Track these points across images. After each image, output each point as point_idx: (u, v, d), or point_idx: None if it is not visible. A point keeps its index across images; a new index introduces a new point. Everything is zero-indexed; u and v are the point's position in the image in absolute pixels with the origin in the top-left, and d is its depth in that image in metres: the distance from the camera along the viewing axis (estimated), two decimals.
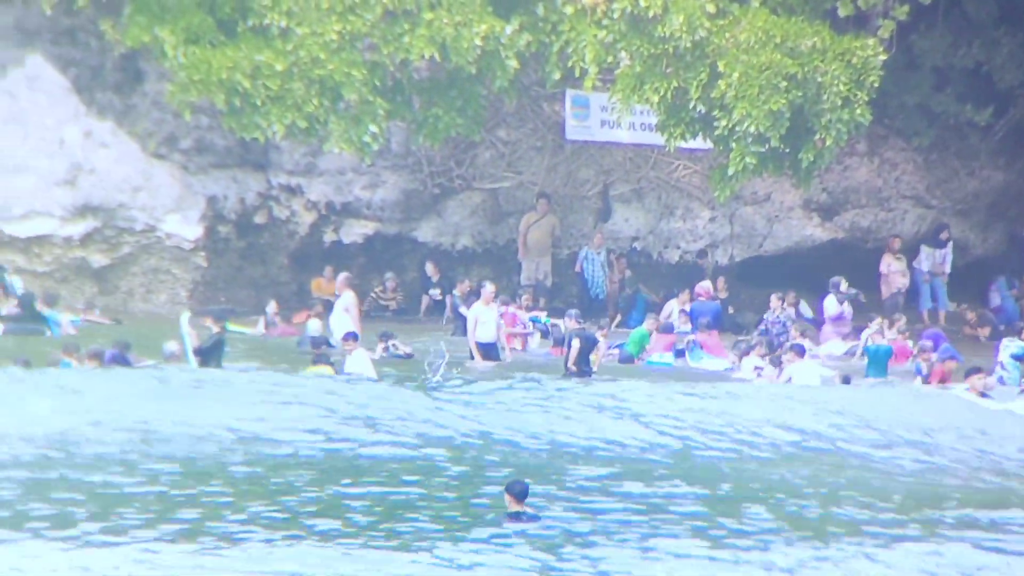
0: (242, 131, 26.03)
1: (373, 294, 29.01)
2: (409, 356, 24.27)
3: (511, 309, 26.38)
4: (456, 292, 27.78)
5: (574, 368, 22.64)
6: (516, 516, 13.80)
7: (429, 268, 29.20)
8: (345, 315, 25.09)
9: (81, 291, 28.02)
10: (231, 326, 24.03)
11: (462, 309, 26.52)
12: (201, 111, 27.23)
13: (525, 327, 26.75)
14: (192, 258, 28.36)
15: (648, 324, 26.16)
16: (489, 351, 24.30)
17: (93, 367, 20.87)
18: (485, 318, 24.44)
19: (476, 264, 30.06)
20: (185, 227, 28.15)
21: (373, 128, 25.87)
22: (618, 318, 28.67)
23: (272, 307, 27.06)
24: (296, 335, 26.08)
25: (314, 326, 25.69)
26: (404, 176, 29.49)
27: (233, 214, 28.87)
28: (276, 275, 29.13)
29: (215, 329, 21.87)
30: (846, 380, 22.92)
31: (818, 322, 27.87)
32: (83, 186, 27.80)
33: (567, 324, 23.96)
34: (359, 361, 22.09)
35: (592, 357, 23.06)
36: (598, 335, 25.29)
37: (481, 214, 30.05)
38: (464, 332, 25.42)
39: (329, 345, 23.63)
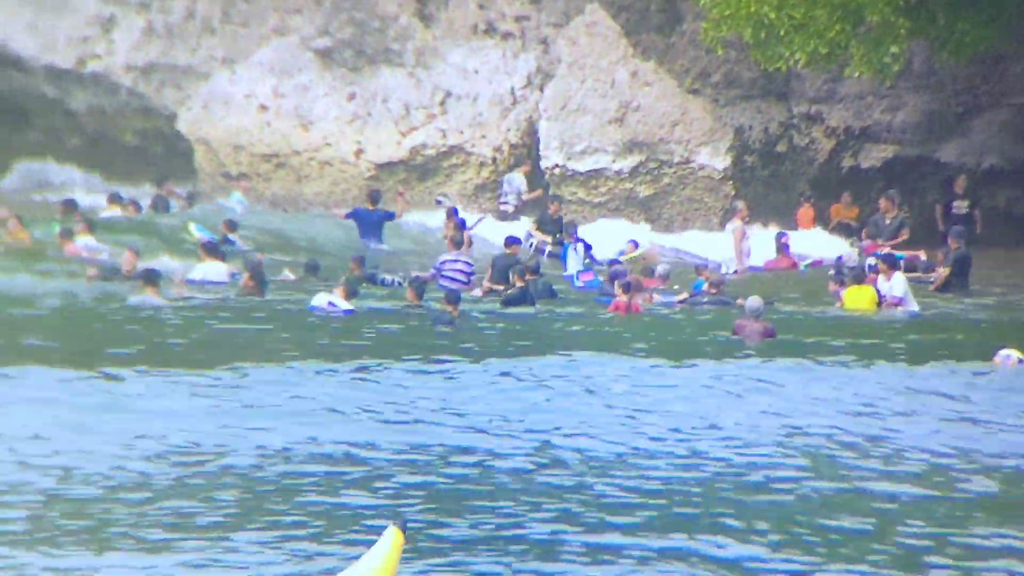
0: (766, 63, 26.74)
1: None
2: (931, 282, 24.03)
3: None
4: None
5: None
6: None
7: (959, 182, 28.80)
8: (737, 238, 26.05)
9: (631, 220, 29.48)
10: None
11: None
12: (730, 46, 28.20)
13: None
14: (721, 187, 29.45)
15: None
16: None
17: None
18: None
19: (1002, 184, 29.52)
20: (715, 158, 29.32)
21: (894, 49, 25.83)
22: None
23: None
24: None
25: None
26: (926, 96, 29.45)
27: (757, 143, 29.87)
28: (797, 202, 29.65)
29: (518, 284, 21.74)
30: None
31: None
32: (630, 123, 29.33)
33: (951, 243, 22.83)
34: (897, 283, 21.74)
35: None
36: None
37: (1010, 131, 29.37)
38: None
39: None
